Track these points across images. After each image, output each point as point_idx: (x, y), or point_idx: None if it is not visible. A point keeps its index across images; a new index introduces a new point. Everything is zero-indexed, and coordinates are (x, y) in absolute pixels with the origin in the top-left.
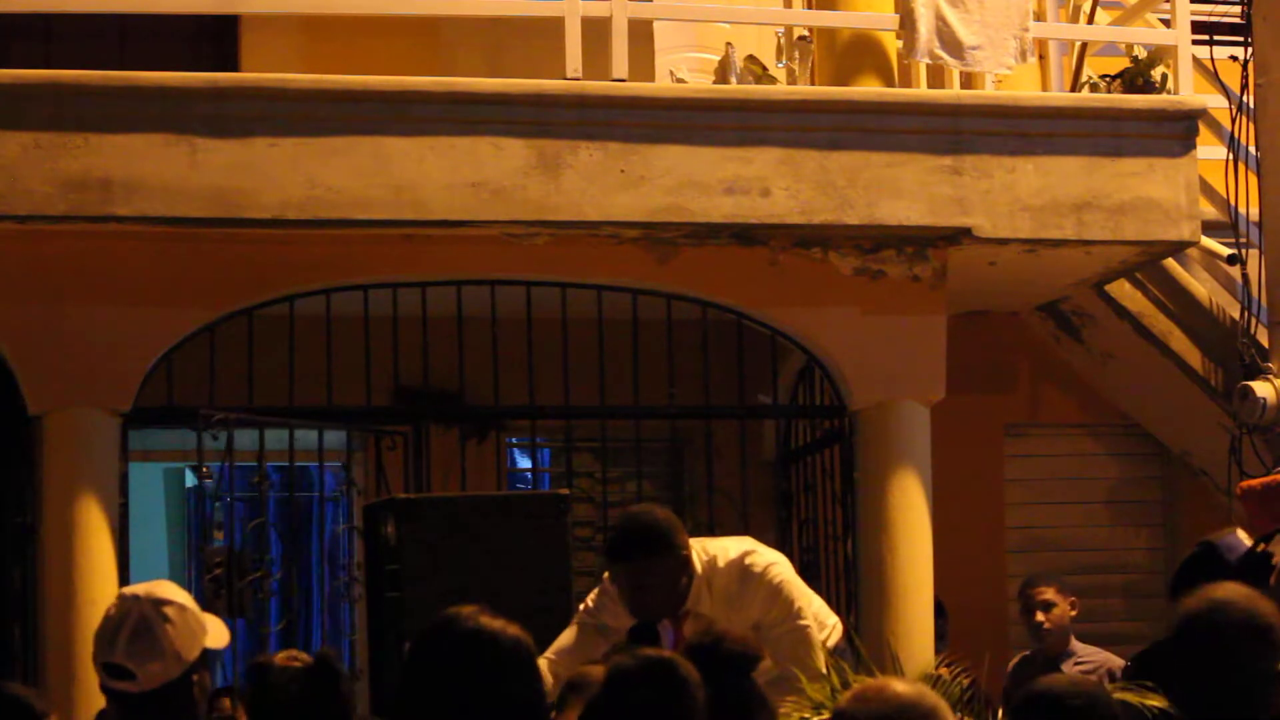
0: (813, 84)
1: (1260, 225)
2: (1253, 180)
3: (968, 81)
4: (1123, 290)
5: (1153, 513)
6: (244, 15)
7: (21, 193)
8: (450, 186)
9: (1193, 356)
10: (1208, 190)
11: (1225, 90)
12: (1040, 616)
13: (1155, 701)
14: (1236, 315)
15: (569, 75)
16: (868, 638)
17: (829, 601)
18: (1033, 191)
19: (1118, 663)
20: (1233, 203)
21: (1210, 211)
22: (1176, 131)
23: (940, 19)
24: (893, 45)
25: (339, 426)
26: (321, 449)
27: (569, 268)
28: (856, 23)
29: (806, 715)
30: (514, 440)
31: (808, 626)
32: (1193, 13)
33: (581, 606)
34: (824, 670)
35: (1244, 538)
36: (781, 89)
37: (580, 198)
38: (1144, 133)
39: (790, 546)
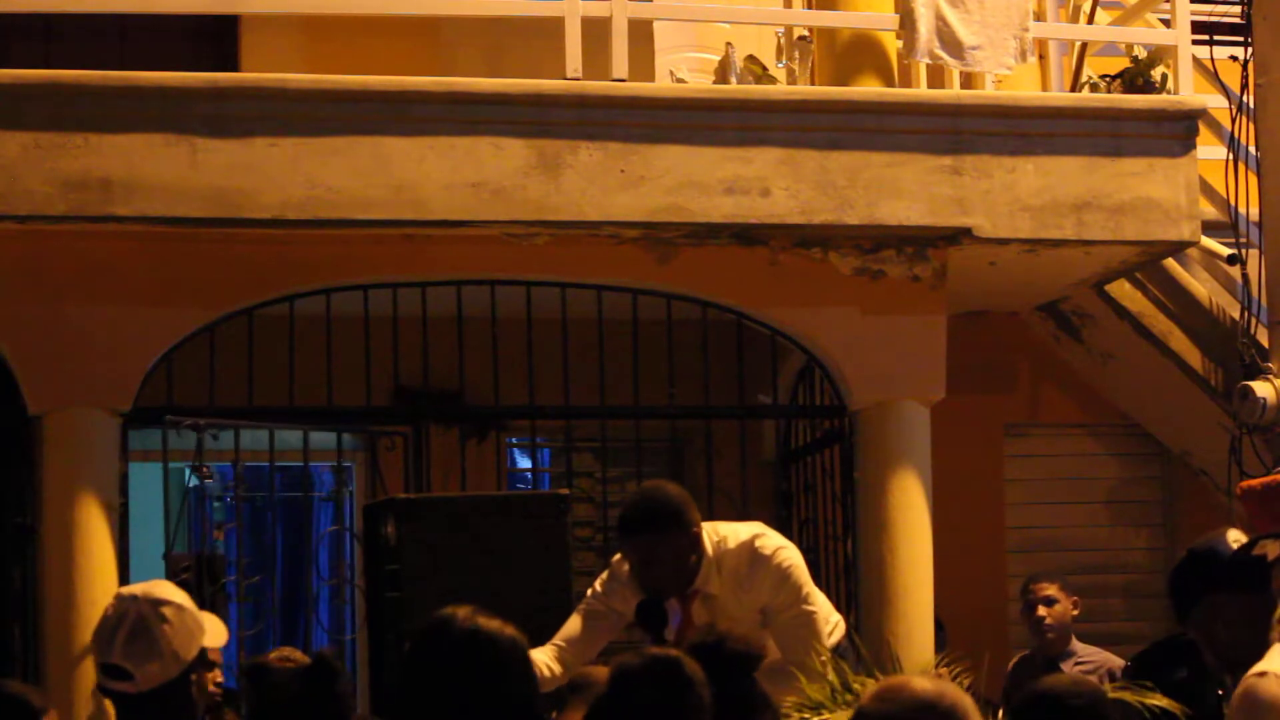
0: (813, 84)
1: (1260, 225)
2: (1253, 180)
3: (968, 81)
4: (1123, 290)
5: (1153, 513)
6: (244, 15)
7: (21, 193)
8: (450, 186)
9: (1193, 356)
10: (1208, 190)
11: (1225, 90)
12: (1042, 611)
13: (1155, 701)
14: (1236, 315)
15: (569, 75)
16: (868, 638)
17: (829, 602)
18: (1033, 191)
19: (1117, 663)
20: (1233, 203)
21: (1210, 211)
22: (1176, 131)
23: (940, 19)
24: (893, 45)
25: (322, 427)
26: (307, 449)
27: (569, 268)
28: (856, 23)
29: (807, 715)
30: (514, 440)
31: (814, 612)
32: (1193, 13)
33: (589, 591)
34: (827, 658)
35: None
36: (781, 89)
37: (580, 198)
38: (1144, 133)
39: None
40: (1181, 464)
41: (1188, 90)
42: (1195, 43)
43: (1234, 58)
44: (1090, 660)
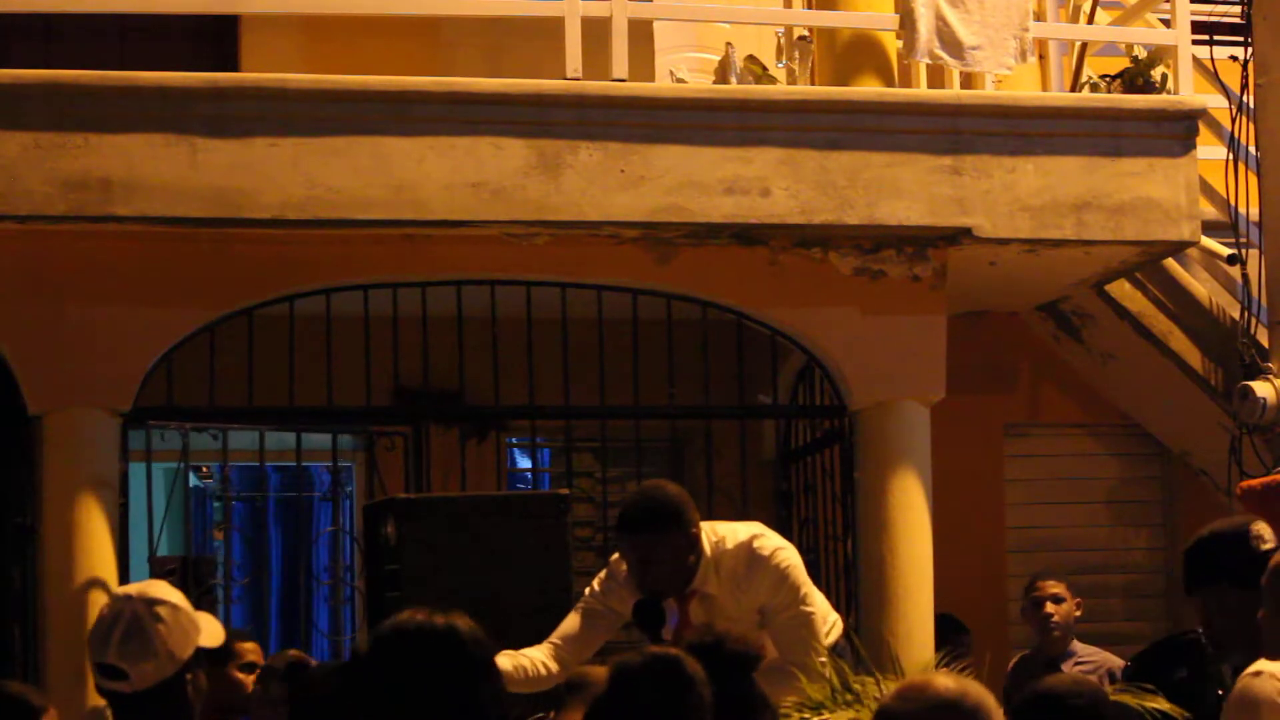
0: (813, 84)
1: (1260, 225)
2: (1253, 180)
3: (968, 81)
4: (1123, 290)
5: (1153, 513)
6: (244, 15)
7: (21, 193)
8: (450, 186)
9: (1193, 356)
10: (1208, 190)
11: (1225, 90)
12: (1050, 609)
13: (1155, 703)
14: (1236, 315)
15: (569, 75)
16: (868, 638)
17: (829, 601)
18: (1033, 191)
19: (1117, 663)
20: (1233, 203)
21: (1210, 211)
22: (1176, 131)
23: (940, 19)
24: (893, 45)
25: (322, 428)
26: (299, 450)
27: (569, 268)
28: (856, 23)
29: (806, 715)
30: (514, 440)
31: (812, 613)
32: (1193, 13)
33: (587, 590)
34: (825, 659)
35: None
36: (781, 89)
37: (580, 198)
38: (1144, 133)
39: None
40: (1181, 464)
41: (1188, 90)
42: (1195, 43)
43: (1234, 58)
44: (1090, 660)
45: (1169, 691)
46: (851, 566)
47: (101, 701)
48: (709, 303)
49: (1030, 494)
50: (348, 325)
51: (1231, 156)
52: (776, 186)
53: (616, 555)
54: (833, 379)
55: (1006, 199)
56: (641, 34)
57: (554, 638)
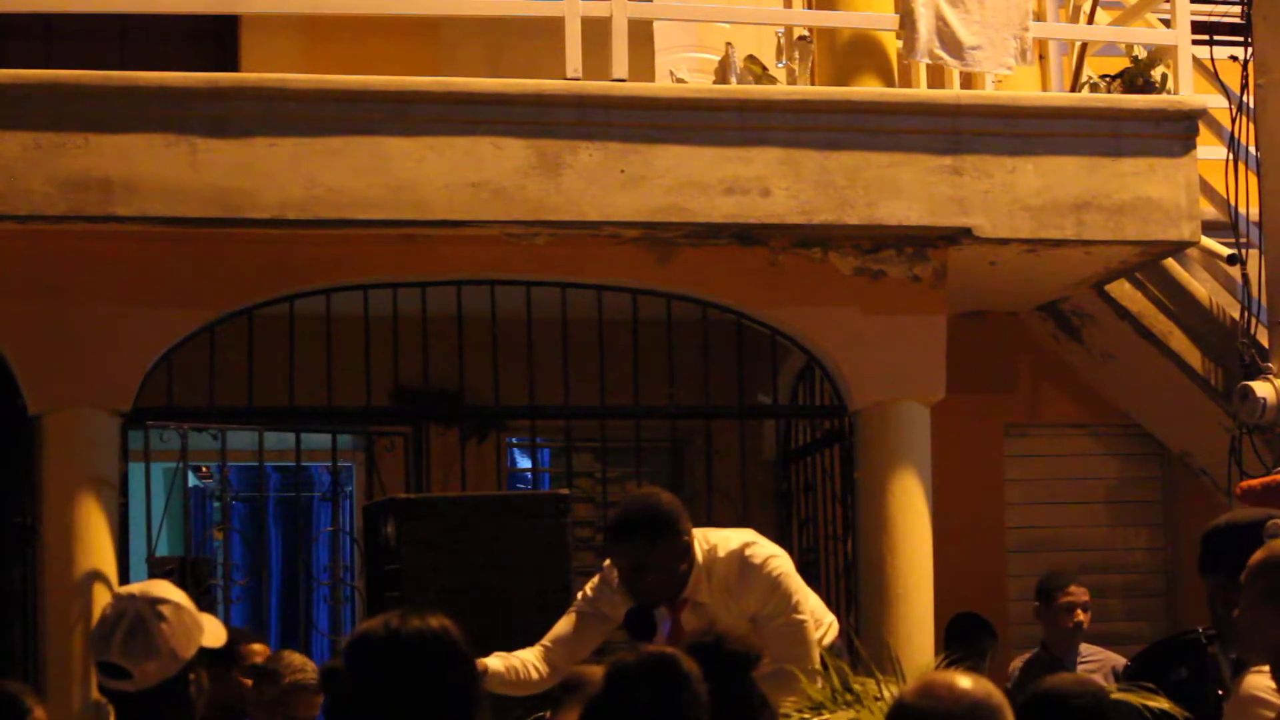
0: (813, 84)
1: (1260, 225)
2: (1253, 180)
3: (968, 81)
4: (1123, 290)
5: (1153, 513)
6: (244, 15)
7: (21, 193)
8: (450, 186)
9: (1193, 356)
10: (1208, 190)
11: (1225, 90)
12: (1081, 616)
13: (1155, 702)
14: (1236, 315)
15: (569, 75)
16: (868, 638)
17: (829, 601)
18: (1033, 191)
19: (1120, 661)
20: (1233, 203)
21: (1210, 211)
22: (1176, 131)
23: (940, 19)
24: (893, 45)
25: (322, 428)
26: (299, 450)
27: (569, 268)
28: (856, 23)
29: (806, 715)
30: (514, 440)
31: (804, 621)
32: (1193, 13)
33: (579, 595)
34: (818, 666)
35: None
36: (781, 89)
37: (580, 198)
38: (1144, 133)
39: (790, 546)
40: (1181, 464)
41: (1188, 90)
42: (1195, 43)
43: (1234, 58)
44: (1094, 659)
45: (1169, 691)
46: (851, 566)
47: (102, 700)
48: (709, 303)
49: (1030, 494)
50: (348, 325)
51: (1231, 156)
52: (776, 186)
53: (609, 561)
54: (833, 379)
55: (1006, 199)
56: (641, 34)
57: (546, 640)
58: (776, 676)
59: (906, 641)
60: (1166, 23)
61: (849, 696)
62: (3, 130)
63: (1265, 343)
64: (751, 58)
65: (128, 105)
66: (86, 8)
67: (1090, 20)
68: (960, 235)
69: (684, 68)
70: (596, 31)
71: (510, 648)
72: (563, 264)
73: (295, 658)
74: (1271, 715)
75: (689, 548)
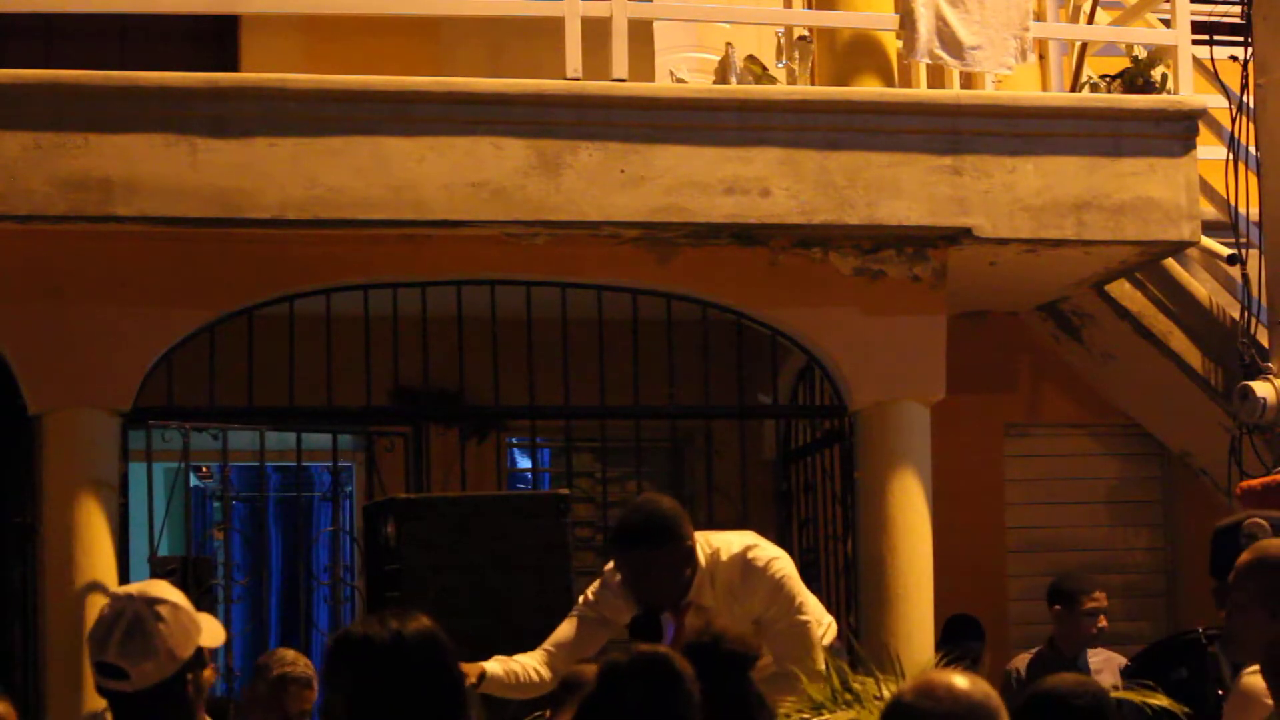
0: (813, 84)
1: (1260, 225)
2: (1253, 180)
3: (968, 81)
4: (1123, 290)
5: (1153, 513)
6: (244, 15)
7: (21, 193)
8: (450, 186)
9: (1193, 356)
10: (1208, 190)
11: (1225, 90)
12: (1104, 621)
13: (1156, 701)
14: (1236, 315)
15: (569, 75)
16: (868, 638)
17: (828, 602)
18: (1033, 191)
19: (1122, 660)
20: (1233, 203)
21: (1210, 211)
22: (1176, 131)
23: (940, 19)
24: (893, 45)
25: (322, 428)
26: (300, 450)
27: (569, 268)
28: (856, 23)
29: (806, 715)
30: (514, 440)
31: (808, 622)
32: (1193, 13)
33: (581, 599)
34: (822, 668)
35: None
36: (781, 89)
37: (580, 198)
38: (1144, 133)
39: (790, 546)
40: (1181, 464)
41: (1188, 90)
42: (1195, 43)
43: (1234, 58)
44: (1099, 659)
45: (1169, 691)
46: (851, 566)
47: (101, 702)
48: (709, 303)
49: (1030, 494)
50: (348, 325)
51: (1231, 156)
52: (776, 186)
53: (610, 565)
54: (833, 379)
55: (1006, 199)
56: (641, 34)
57: (548, 644)
58: (780, 678)
59: (906, 641)
60: (1166, 23)
61: (849, 696)
62: (3, 130)
63: (1265, 343)
64: (751, 58)
65: (128, 105)
66: (86, 8)
67: (1090, 20)
68: (960, 235)
69: (684, 68)
70: (596, 31)
71: (511, 648)
72: (563, 264)
73: (287, 653)
74: (1267, 714)
75: (692, 552)
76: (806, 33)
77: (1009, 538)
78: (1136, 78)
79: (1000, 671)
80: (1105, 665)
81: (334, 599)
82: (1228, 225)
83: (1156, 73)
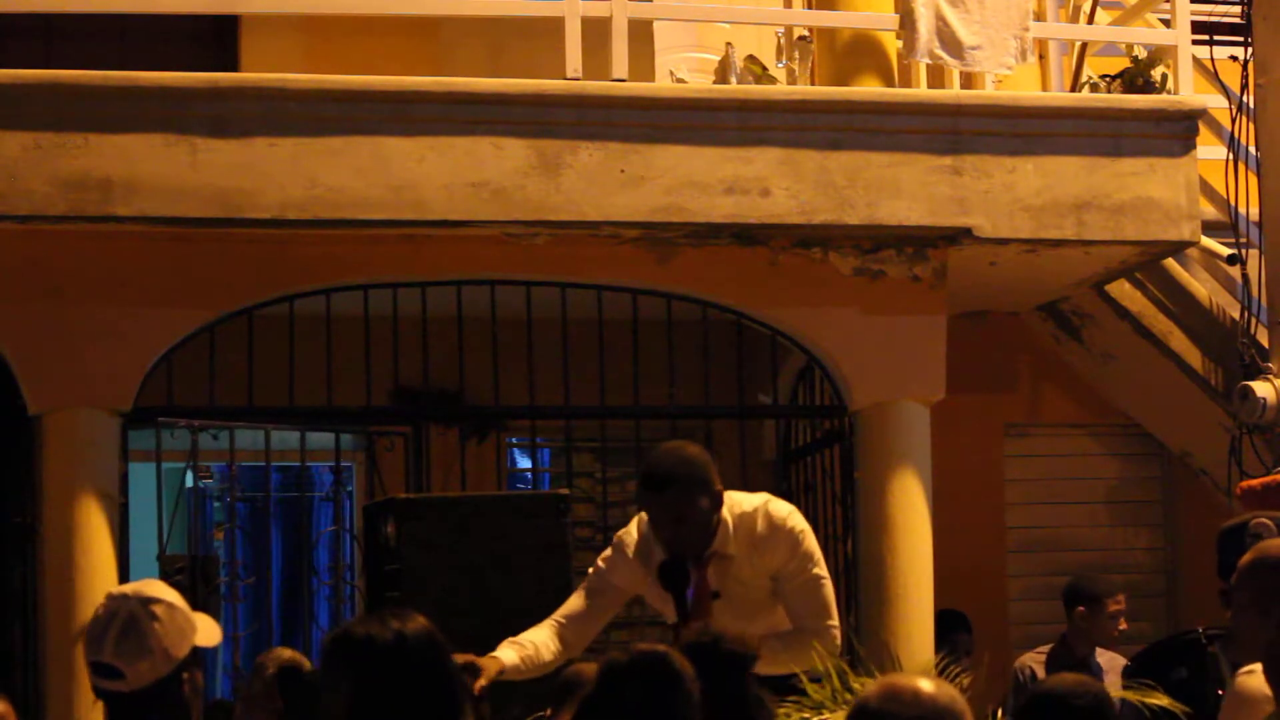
0: (813, 84)
1: (1260, 225)
2: (1253, 180)
3: (968, 81)
4: (1123, 290)
5: (1153, 513)
6: (244, 15)
7: (21, 193)
8: (450, 186)
9: (1193, 356)
10: (1208, 190)
11: (1225, 90)
12: (1124, 624)
13: (1156, 700)
14: (1236, 315)
15: (569, 75)
16: (868, 638)
17: None
18: (1033, 191)
19: (1122, 661)
20: (1233, 203)
21: (1210, 211)
22: (1176, 131)
23: (940, 19)
24: (893, 45)
25: (321, 428)
26: (304, 450)
27: (569, 268)
28: (856, 23)
29: (806, 715)
30: (514, 440)
31: (823, 578)
32: (1193, 13)
33: (591, 570)
34: (836, 623)
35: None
36: (781, 89)
37: (580, 198)
38: (1144, 133)
39: None
40: (1181, 464)
41: (1188, 90)
42: (1195, 43)
43: (1234, 58)
44: (1106, 661)
45: (1169, 691)
46: (851, 566)
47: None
48: (709, 303)
49: (1030, 494)
50: (348, 325)
51: (1231, 156)
52: (776, 186)
53: (623, 531)
54: (833, 379)
55: (1006, 199)
56: (641, 34)
57: (557, 616)
58: (796, 635)
59: (906, 641)
60: (1166, 23)
61: (849, 696)
62: (3, 130)
63: (1265, 343)
64: (751, 58)
65: (128, 105)
66: (86, 8)
67: (1090, 20)
68: (960, 235)
69: (684, 68)
70: (596, 31)
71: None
72: (563, 264)
73: (284, 652)
74: (1265, 716)
75: (720, 497)
76: (806, 33)
77: (1009, 538)
78: (1136, 78)
79: (999, 671)
80: (1110, 666)
81: (335, 599)
82: (1228, 225)
83: (1156, 73)
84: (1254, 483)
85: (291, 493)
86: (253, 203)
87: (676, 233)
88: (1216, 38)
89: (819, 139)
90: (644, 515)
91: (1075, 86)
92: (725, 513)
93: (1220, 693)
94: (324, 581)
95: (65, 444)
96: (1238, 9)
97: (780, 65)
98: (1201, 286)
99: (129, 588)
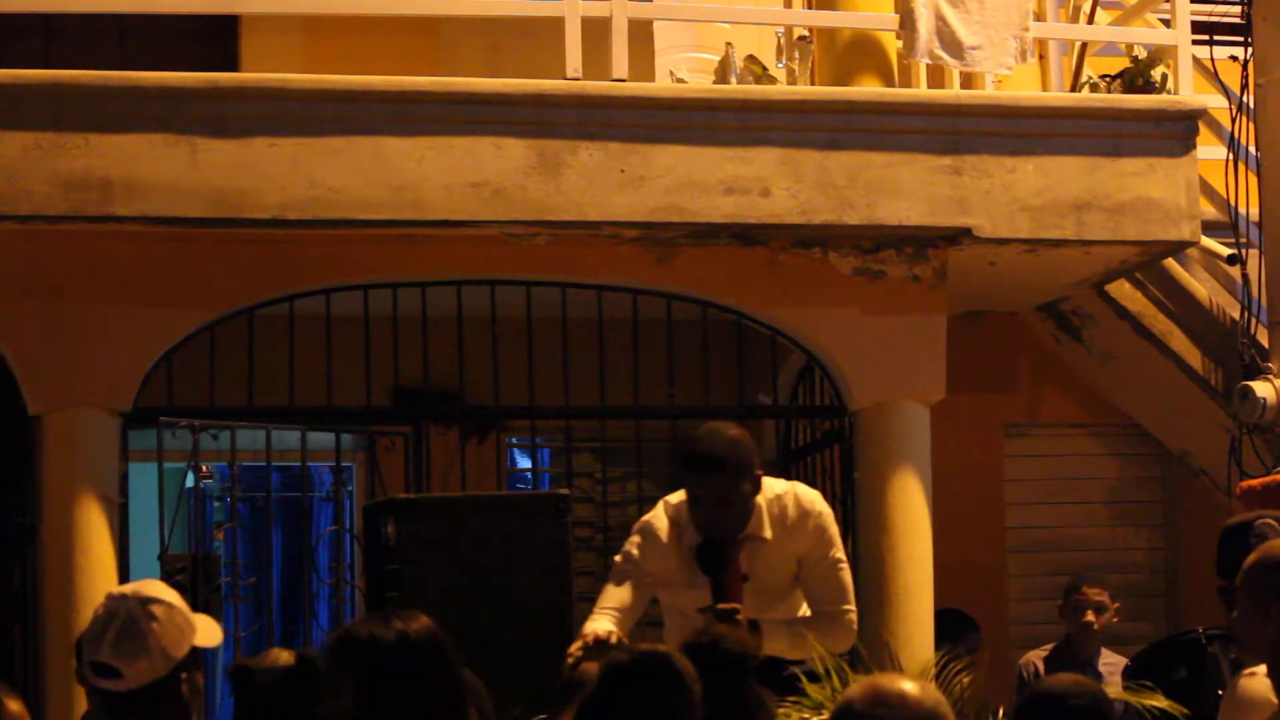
0: (813, 84)
1: (1260, 225)
2: (1253, 180)
3: (968, 81)
4: (1123, 290)
5: (1153, 513)
6: (244, 15)
7: (21, 193)
8: (450, 186)
9: (1193, 356)
10: (1208, 190)
11: (1225, 90)
12: (1090, 617)
13: (1155, 701)
14: (1236, 315)
15: (569, 75)
16: (868, 638)
17: None
18: (1033, 191)
19: (1124, 662)
20: (1233, 203)
21: (1210, 211)
22: (1176, 131)
23: (940, 19)
24: (893, 45)
25: (321, 428)
26: (305, 449)
27: (569, 268)
28: (856, 23)
29: (806, 715)
30: (514, 440)
31: (843, 562)
32: (1193, 13)
33: (619, 558)
34: (854, 608)
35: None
36: (781, 89)
37: (580, 198)
38: (1144, 133)
39: None
40: (1181, 464)
41: (1188, 90)
42: (1195, 43)
43: (1234, 58)
44: (1111, 663)
45: (1169, 691)
46: (851, 566)
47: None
48: (709, 303)
49: (1030, 494)
50: (348, 325)
51: (1231, 156)
52: (776, 186)
53: (649, 516)
54: (833, 379)
55: (1006, 199)
56: (641, 34)
57: (609, 608)
58: (819, 619)
59: (906, 641)
60: (1166, 23)
61: None
62: (3, 130)
63: (1265, 343)
64: (751, 58)
65: (128, 105)
66: (86, 8)
67: (1090, 20)
68: (960, 235)
69: (684, 68)
70: (596, 31)
71: (510, 648)
72: (563, 264)
73: (283, 654)
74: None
75: (759, 481)
76: (806, 33)
77: (1009, 538)
78: (1136, 78)
79: (1000, 670)
80: (1115, 667)
81: (335, 599)
82: (1228, 225)
83: (1156, 73)
84: (1254, 483)
85: (292, 493)
86: (253, 203)
87: (676, 233)
88: (1216, 38)
89: (819, 139)
90: (669, 501)
91: (1075, 86)
92: (758, 497)
93: (1220, 693)
94: (324, 581)
95: (65, 444)
96: (1238, 9)
97: (780, 65)
98: (1201, 286)
99: (128, 588)
